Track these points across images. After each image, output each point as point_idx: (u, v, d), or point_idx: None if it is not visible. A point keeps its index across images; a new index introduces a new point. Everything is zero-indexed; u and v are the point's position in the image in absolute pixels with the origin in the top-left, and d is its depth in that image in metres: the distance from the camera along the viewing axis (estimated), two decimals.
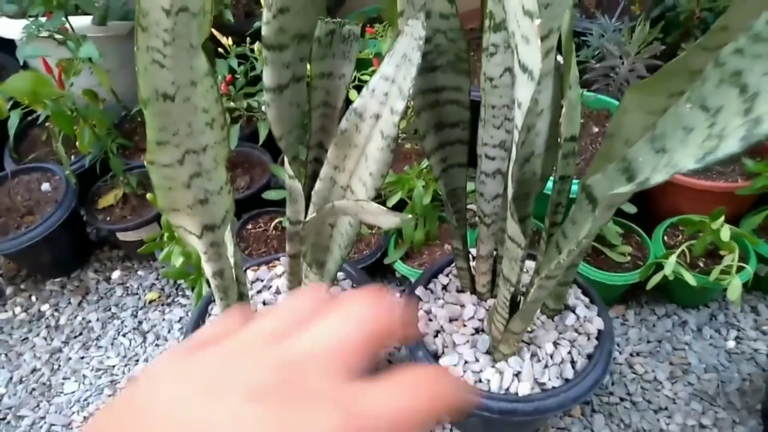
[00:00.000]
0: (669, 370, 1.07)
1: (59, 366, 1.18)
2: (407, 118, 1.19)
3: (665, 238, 1.14)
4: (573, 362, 0.81)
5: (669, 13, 1.32)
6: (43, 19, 1.07)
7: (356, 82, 1.17)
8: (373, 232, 1.23)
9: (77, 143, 1.13)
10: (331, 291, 0.92)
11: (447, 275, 0.95)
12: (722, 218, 1.00)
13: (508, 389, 0.78)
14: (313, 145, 0.77)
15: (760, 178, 1.06)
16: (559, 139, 0.68)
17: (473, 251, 0.92)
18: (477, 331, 0.86)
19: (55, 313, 1.28)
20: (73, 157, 1.33)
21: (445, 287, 0.94)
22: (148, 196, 1.07)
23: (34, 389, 1.14)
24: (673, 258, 1.00)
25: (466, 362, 0.82)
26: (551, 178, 0.73)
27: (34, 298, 1.32)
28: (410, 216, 0.45)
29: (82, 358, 1.19)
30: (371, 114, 0.63)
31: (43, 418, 1.09)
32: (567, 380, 0.79)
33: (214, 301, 0.94)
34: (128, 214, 1.28)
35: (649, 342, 1.12)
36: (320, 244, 0.75)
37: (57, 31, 1.07)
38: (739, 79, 0.42)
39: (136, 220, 1.26)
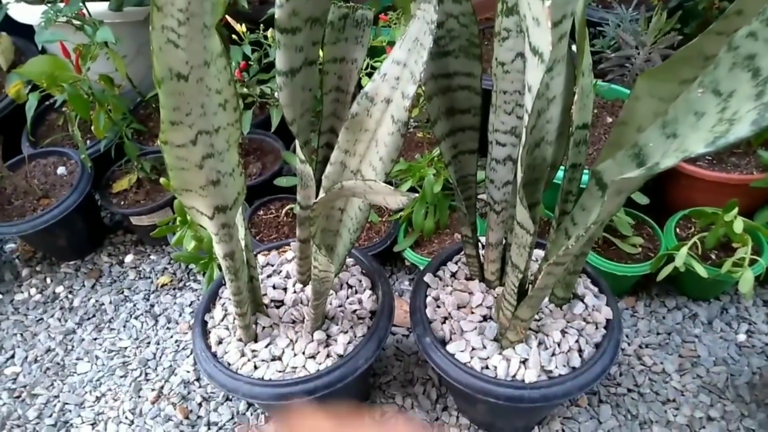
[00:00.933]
0: (678, 362, 1.06)
1: (73, 347, 1.20)
2: (419, 106, 1.19)
3: (677, 230, 1.13)
4: (580, 351, 0.81)
5: (687, 3, 1.30)
6: (61, 5, 1.09)
7: (369, 70, 1.17)
8: (384, 220, 1.24)
9: (93, 128, 1.15)
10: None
11: (456, 263, 0.96)
12: (735, 210, 1.00)
13: (514, 376, 0.78)
14: (325, 130, 0.77)
15: None
16: (570, 127, 0.68)
17: (482, 240, 0.93)
18: (485, 318, 0.86)
19: (69, 295, 1.30)
20: (88, 141, 1.35)
21: (453, 275, 0.94)
22: (162, 180, 1.08)
23: (48, 368, 1.17)
24: (684, 249, 1.00)
25: (473, 349, 0.82)
26: (562, 167, 0.73)
27: (48, 280, 1.34)
28: (418, 195, 0.45)
29: (95, 339, 1.21)
30: (382, 98, 0.63)
31: (56, 396, 1.11)
32: (574, 368, 0.79)
33: (224, 284, 0.95)
34: (142, 198, 1.30)
35: (658, 334, 1.11)
36: (330, 228, 0.75)
37: (75, 17, 1.08)
38: (752, 63, 0.41)
39: (149, 204, 1.27)
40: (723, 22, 0.50)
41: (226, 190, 0.62)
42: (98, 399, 1.10)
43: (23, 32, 1.48)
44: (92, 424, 1.06)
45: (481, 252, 0.90)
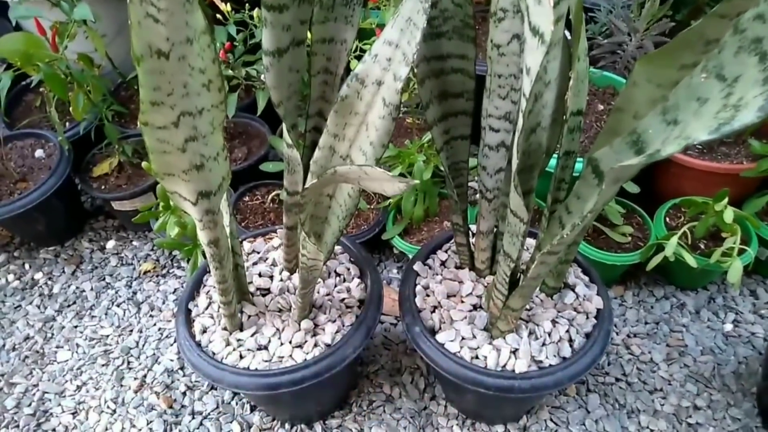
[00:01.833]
0: (665, 351, 1.06)
1: (52, 334, 1.17)
2: (409, 90, 1.17)
3: (667, 219, 1.13)
4: (571, 341, 0.80)
5: None
6: None
7: (358, 53, 1.15)
8: (372, 207, 1.22)
9: (71, 109, 1.11)
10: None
11: (446, 251, 0.94)
12: (726, 200, 0.99)
13: (504, 366, 0.77)
14: (313, 113, 0.75)
15: (766, 160, 1.05)
16: (565, 113, 0.66)
17: (473, 228, 0.91)
18: (475, 307, 0.85)
19: (49, 282, 1.27)
20: (67, 123, 1.31)
21: (443, 263, 0.93)
22: (144, 164, 1.05)
23: (27, 357, 1.14)
24: (674, 239, 0.99)
25: (463, 338, 0.81)
26: (555, 154, 0.71)
27: (27, 266, 1.31)
28: (417, 181, 0.43)
29: (76, 327, 1.18)
30: (373, 80, 0.61)
31: (36, 386, 1.09)
32: (564, 358, 0.78)
33: (209, 272, 0.93)
34: (123, 183, 1.26)
35: (646, 323, 1.11)
36: (318, 215, 0.73)
37: None
38: (759, 47, 0.40)
39: (131, 189, 1.24)
40: (726, 4, 0.48)
41: (210, 175, 0.59)
42: (79, 388, 1.08)
43: None
44: (73, 414, 1.04)
45: (472, 240, 0.88)
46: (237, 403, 1.03)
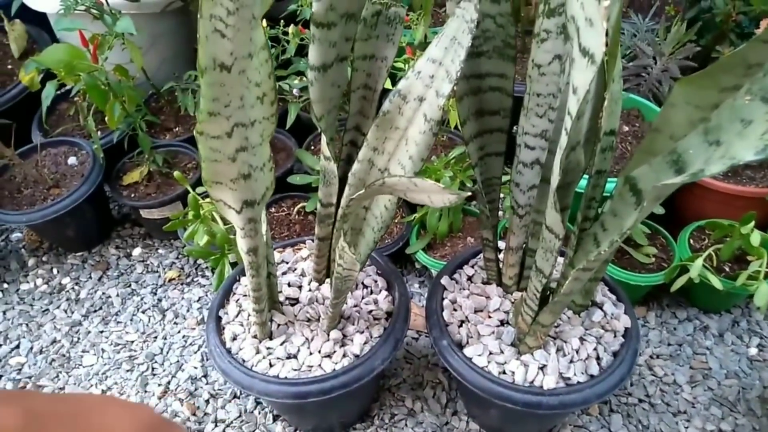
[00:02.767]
0: (689, 374, 1.06)
1: (78, 339, 1.19)
2: None
3: (691, 241, 1.13)
4: (599, 358, 0.80)
5: (705, 15, 1.31)
6: None
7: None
8: (396, 221, 1.23)
9: (106, 118, 1.14)
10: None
11: (472, 267, 0.95)
12: (753, 223, 1.00)
13: (532, 382, 0.78)
14: (350, 127, 0.77)
15: None
16: (598, 133, 0.68)
17: (500, 244, 0.92)
18: (502, 323, 0.86)
19: (76, 287, 1.29)
20: (100, 132, 1.33)
21: (470, 278, 0.94)
22: (176, 174, 1.07)
23: (53, 360, 1.15)
24: (699, 261, 1.00)
25: (490, 353, 0.82)
26: (585, 175, 0.72)
27: (55, 271, 1.33)
28: (469, 193, 0.44)
29: (102, 332, 1.20)
30: (415, 96, 0.63)
31: (62, 389, 1.10)
32: (592, 376, 0.78)
33: (238, 280, 0.94)
34: (153, 191, 1.29)
35: (669, 345, 1.11)
36: (353, 227, 0.75)
37: (93, 6, 1.07)
38: None
39: (160, 198, 1.26)
40: None
41: (255, 185, 0.61)
42: (104, 392, 1.09)
43: (36, 20, 1.47)
44: None
45: (500, 256, 0.89)
46: (260, 413, 1.03)
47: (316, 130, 1.36)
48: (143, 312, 1.23)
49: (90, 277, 1.31)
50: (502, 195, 1.24)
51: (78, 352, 1.16)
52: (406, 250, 1.19)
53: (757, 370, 1.06)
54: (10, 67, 1.48)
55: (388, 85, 0.88)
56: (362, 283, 0.94)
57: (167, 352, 1.15)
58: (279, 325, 0.86)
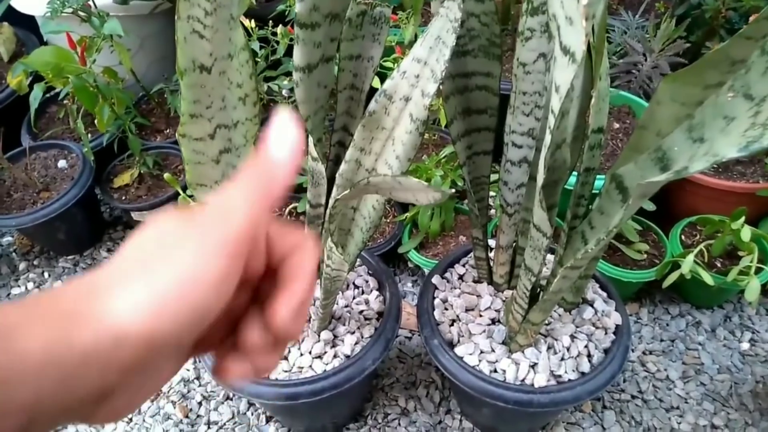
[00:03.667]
0: (682, 369, 1.06)
1: None
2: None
3: (682, 237, 1.13)
4: (589, 356, 0.80)
5: (694, 11, 1.31)
6: None
7: (378, 69, 1.16)
8: (388, 221, 1.23)
9: (96, 121, 1.13)
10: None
11: (463, 265, 0.95)
12: (743, 218, 1.00)
13: (524, 380, 0.78)
14: (337, 128, 0.76)
15: None
16: (586, 131, 0.67)
17: (491, 242, 0.92)
18: (493, 321, 0.86)
19: None
20: (90, 135, 1.33)
21: (461, 277, 0.93)
22: (166, 176, 1.07)
23: None
24: (691, 257, 1.00)
25: (482, 352, 0.81)
26: (574, 172, 0.72)
27: (46, 275, 1.32)
28: (453, 190, 0.44)
29: None
30: (401, 96, 0.63)
31: None
32: (583, 374, 0.78)
33: None
34: (143, 194, 1.28)
35: (662, 341, 1.11)
36: (342, 227, 0.74)
37: (81, 8, 1.06)
38: None
39: (151, 200, 1.26)
40: (752, 26, 0.49)
41: None
42: None
43: (25, 23, 1.47)
44: None
45: (490, 255, 0.89)
46: (252, 414, 1.03)
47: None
48: None
49: None
50: (492, 194, 1.25)
51: None
52: (398, 249, 1.19)
53: (749, 365, 1.06)
54: None
55: (377, 84, 0.88)
56: (353, 283, 0.94)
57: None
58: None
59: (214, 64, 0.47)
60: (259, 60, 1.19)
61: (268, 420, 1.02)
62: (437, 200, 0.41)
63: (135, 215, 1.28)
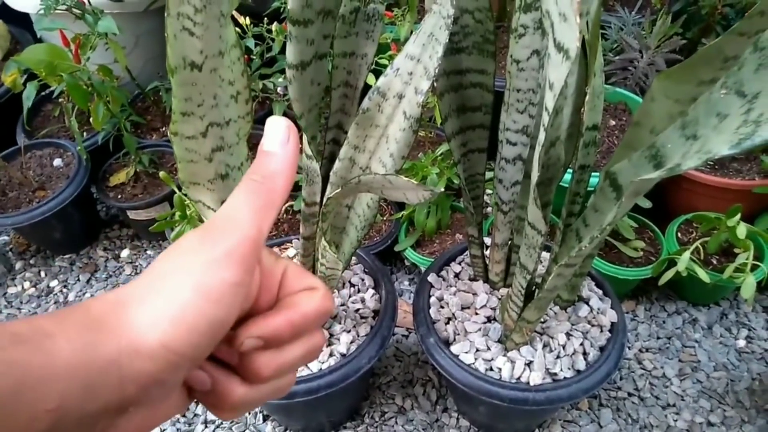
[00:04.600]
0: (678, 367, 1.06)
1: None
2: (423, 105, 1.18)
3: (678, 234, 1.13)
4: (585, 354, 0.80)
5: (690, 7, 1.30)
6: None
7: (373, 66, 1.16)
8: (385, 219, 1.23)
9: (91, 119, 1.13)
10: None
11: (459, 263, 0.95)
12: (739, 215, 1.00)
13: (519, 378, 0.78)
14: (332, 125, 0.76)
15: None
16: (580, 128, 0.67)
17: (487, 241, 0.92)
18: (489, 319, 0.85)
19: (64, 290, 1.28)
20: (85, 133, 1.33)
21: (457, 275, 0.93)
22: (161, 174, 1.06)
23: None
24: (687, 254, 1.00)
25: (477, 350, 0.81)
26: (569, 169, 0.72)
27: (43, 274, 1.32)
28: (442, 189, 0.44)
29: None
30: (395, 93, 0.62)
31: None
32: (579, 371, 0.78)
33: None
34: (139, 192, 1.28)
35: (658, 338, 1.11)
36: (336, 225, 0.74)
37: (75, 5, 1.06)
38: None
39: (147, 198, 1.25)
40: (745, 22, 0.49)
41: (234, 185, 0.60)
42: None
43: (19, 20, 1.46)
44: None
45: (486, 253, 0.89)
46: (249, 413, 1.03)
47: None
48: None
49: (78, 280, 1.30)
50: (488, 191, 1.24)
51: None
52: (394, 247, 1.19)
53: (745, 362, 1.06)
54: None
55: (372, 81, 0.88)
56: (349, 281, 0.93)
57: None
58: None
59: (205, 61, 0.47)
60: (254, 57, 1.18)
61: (265, 419, 1.02)
62: (427, 199, 0.40)
63: (131, 214, 1.28)
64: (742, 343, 1.09)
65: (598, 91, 0.66)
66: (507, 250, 0.84)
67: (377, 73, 0.81)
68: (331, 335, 0.84)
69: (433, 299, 0.88)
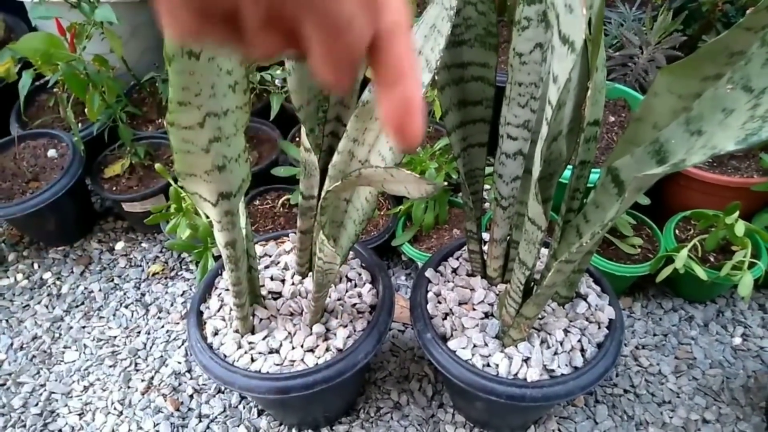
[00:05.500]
0: (674, 364, 1.06)
1: (60, 334, 1.17)
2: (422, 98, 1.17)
3: (676, 231, 1.13)
4: (583, 350, 0.80)
5: (691, 4, 1.30)
6: None
7: None
8: (382, 213, 1.22)
9: (86, 110, 1.11)
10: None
11: (457, 259, 0.94)
12: (737, 213, 0.99)
13: (516, 374, 0.77)
14: (331, 118, 0.75)
15: None
16: (581, 123, 0.67)
17: (485, 236, 0.91)
18: (487, 315, 0.85)
19: (57, 282, 1.27)
20: (80, 124, 1.31)
21: (455, 270, 0.93)
22: (157, 166, 1.05)
23: (34, 356, 1.13)
24: (684, 251, 0.99)
25: (474, 346, 0.81)
26: (569, 165, 0.71)
27: (36, 266, 1.31)
28: (445, 182, 0.43)
29: (83, 327, 1.18)
30: None
31: (43, 385, 1.09)
32: (576, 368, 0.78)
33: (220, 274, 0.93)
34: (135, 184, 1.27)
35: (655, 335, 1.11)
36: (334, 219, 0.73)
37: None
38: None
39: (142, 190, 1.24)
40: (752, 17, 0.48)
41: (231, 176, 0.60)
42: (86, 388, 1.08)
43: (13, 8, 1.44)
44: (80, 414, 1.04)
45: (484, 248, 0.89)
46: (244, 407, 1.02)
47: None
48: (126, 307, 1.21)
49: (72, 272, 1.29)
50: (487, 186, 1.24)
51: (59, 348, 1.15)
52: (392, 242, 1.18)
53: (741, 360, 1.06)
54: None
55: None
56: (346, 276, 0.93)
57: (150, 348, 1.13)
58: (261, 319, 0.85)
59: (202, 49, 0.46)
60: None
61: (260, 413, 1.01)
62: (429, 193, 0.40)
63: (126, 206, 1.27)
64: (737, 340, 1.09)
65: (600, 86, 0.66)
66: (505, 245, 0.84)
67: None
68: (328, 330, 0.84)
69: (430, 294, 0.88)
